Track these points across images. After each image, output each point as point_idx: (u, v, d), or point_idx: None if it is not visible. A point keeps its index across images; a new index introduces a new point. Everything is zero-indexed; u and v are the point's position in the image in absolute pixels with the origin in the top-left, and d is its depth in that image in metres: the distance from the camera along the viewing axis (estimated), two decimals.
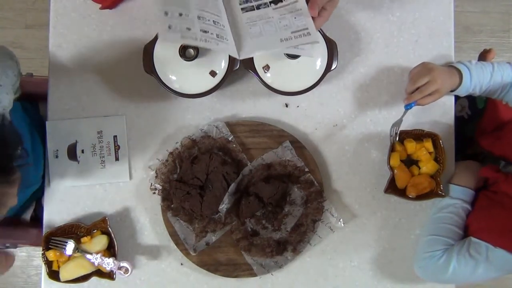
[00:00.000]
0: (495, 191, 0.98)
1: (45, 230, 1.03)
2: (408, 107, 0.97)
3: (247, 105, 1.06)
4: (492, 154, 1.07)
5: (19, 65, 0.97)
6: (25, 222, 1.16)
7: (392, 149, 1.01)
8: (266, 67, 0.97)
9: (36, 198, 1.15)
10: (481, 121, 1.15)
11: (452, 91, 0.99)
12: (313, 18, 0.84)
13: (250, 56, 0.82)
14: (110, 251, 1.01)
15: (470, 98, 1.18)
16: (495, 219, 0.91)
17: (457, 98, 1.10)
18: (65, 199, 1.04)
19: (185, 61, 0.93)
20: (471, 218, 0.99)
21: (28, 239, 1.14)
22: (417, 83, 0.96)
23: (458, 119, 1.09)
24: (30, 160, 0.96)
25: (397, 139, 1.00)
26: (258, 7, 0.86)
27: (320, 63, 0.98)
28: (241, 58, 0.83)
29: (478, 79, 0.96)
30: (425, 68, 0.97)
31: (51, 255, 0.99)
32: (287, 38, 0.83)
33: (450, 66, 1.00)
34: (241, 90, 1.06)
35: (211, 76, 0.97)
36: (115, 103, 1.06)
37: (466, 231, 0.99)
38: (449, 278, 0.94)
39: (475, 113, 1.18)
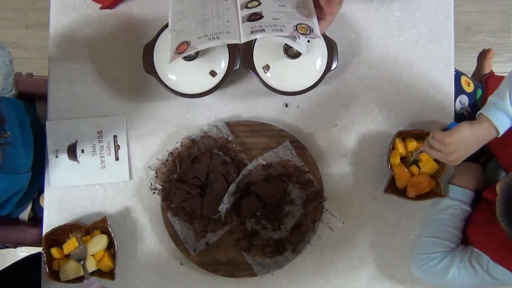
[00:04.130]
0: None
1: (45, 230, 1.03)
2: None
3: (247, 105, 1.06)
4: (495, 159, 1.06)
5: (10, 55, 0.98)
6: (23, 222, 1.17)
7: (392, 148, 1.01)
8: (266, 67, 0.97)
9: (32, 198, 1.15)
10: None
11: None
12: (318, 20, 0.83)
13: (251, 38, 0.79)
14: (110, 251, 1.01)
15: (471, 96, 1.18)
16: (496, 234, 0.89)
17: (456, 95, 1.10)
18: (65, 199, 1.04)
19: (185, 61, 0.93)
20: (472, 228, 0.99)
21: (28, 239, 1.15)
22: (430, 153, 0.93)
23: (458, 117, 1.09)
24: (11, 141, 0.96)
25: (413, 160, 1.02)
26: None
27: (320, 63, 0.98)
28: (243, 41, 0.79)
29: None
30: (446, 154, 0.91)
31: (55, 252, 0.99)
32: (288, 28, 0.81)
33: (479, 121, 0.89)
34: (241, 90, 1.06)
35: (211, 76, 0.97)
36: (115, 103, 1.06)
37: (468, 239, 0.99)
38: (447, 282, 0.95)
39: (475, 111, 1.18)
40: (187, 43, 0.80)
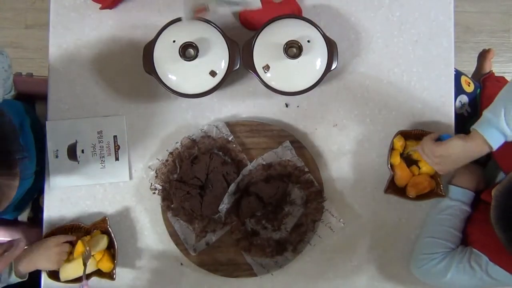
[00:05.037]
0: None
1: (45, 230, 1.03)
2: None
3: (247, 105, 1.06)
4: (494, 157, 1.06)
5: (9, 59, 0.97)
6: (23, 223, 1.16)
7: (392, 148, 1.01)
8: (266, 67, 0.97)
9: (32, 199, 1.14)
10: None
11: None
12: None
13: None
14: (110, 251, 1.01)
15: (470, 96, 1.18)
16: (495, 235, 0.90)
17: (457, 95, 1.10)
18: (65, 199, 1.04)
19: (185, 61, 0.93)
20: (472, 228, 0.99)
21: (28, 239, 1.14)
22: (423, 158, 0.96)
23: (458, 116, 1.09)
24: (26, 153, 0.96)
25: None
26: None
27: (320, 63, 0.98)
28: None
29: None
30: (434, 164, 0.94)
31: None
32: None
33: (473, 136, 0.88)
34: (241, 90, 1.06)
35: (211, 76, 0.97)
36: (115, 103, 1.06)
37: (467, 239, 0.99)
38: (446, 283, 0.95)
39: (475, 110, 1.18)
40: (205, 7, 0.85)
